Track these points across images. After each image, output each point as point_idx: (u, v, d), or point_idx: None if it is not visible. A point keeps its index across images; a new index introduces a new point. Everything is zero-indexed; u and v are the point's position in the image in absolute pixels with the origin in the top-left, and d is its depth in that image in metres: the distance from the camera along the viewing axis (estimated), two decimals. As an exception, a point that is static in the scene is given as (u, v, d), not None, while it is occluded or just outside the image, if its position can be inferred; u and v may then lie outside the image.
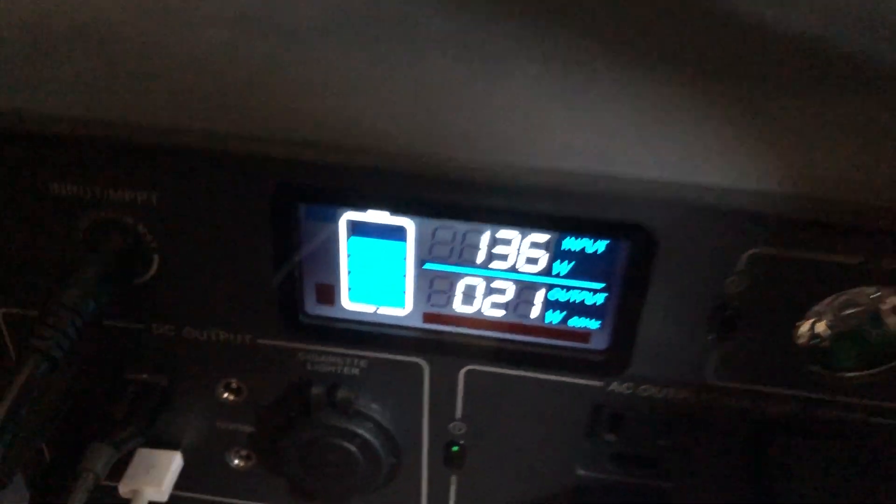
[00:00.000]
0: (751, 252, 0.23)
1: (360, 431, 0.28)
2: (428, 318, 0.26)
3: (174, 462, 0.30)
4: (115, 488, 0.30)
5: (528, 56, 0.24)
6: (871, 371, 0.25)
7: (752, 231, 0.23)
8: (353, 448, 0.28)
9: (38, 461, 0.31)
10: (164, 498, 0.30)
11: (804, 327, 0.24)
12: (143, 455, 0.30)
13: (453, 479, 0.30)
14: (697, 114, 0.23)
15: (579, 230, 0.24)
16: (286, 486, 0.31)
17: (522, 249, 0.25)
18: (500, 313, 0.26)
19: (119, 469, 0.29)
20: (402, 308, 0.26)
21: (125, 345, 0.28)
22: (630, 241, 0.23)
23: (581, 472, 0.29)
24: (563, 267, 0.25)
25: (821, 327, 0.25)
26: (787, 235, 0.22)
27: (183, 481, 0.31)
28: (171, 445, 0.30)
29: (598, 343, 0.26)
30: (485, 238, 0.25)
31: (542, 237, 0.24)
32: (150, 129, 0.23)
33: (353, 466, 0.28)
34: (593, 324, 0.26)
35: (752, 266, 0.23)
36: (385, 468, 0.29)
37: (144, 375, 0.29)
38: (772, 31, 0.26)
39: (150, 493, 0.29)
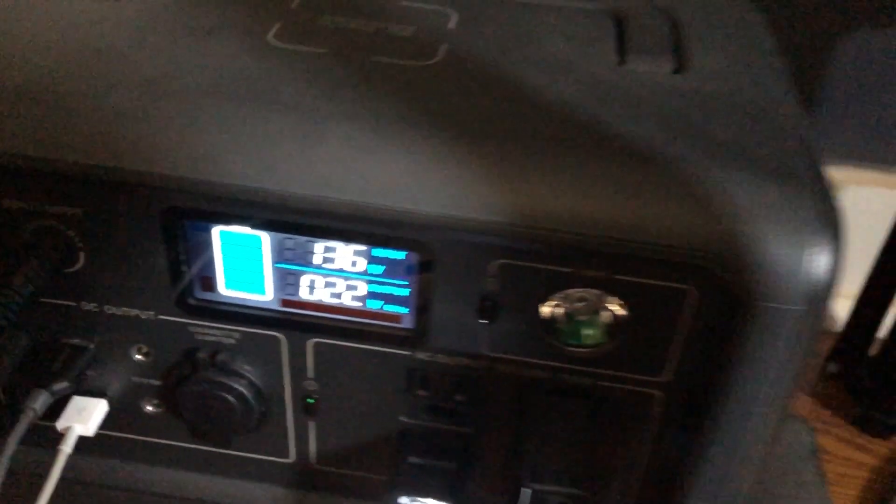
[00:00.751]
0: (499, 262, 0.33)
1: (236, 386, 0.38)
2: (284, 303, 0.36)
3: (100, 407, 0.39)
4: (54, 427, 0.39)
5: (351, 119, 0.33)
6: (592, 348, 0.35)
7: (497, 248, 0.32)
8: (231, 398, 0.38)
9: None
10: (92, 434, 0.39)
11: (546, 313, 0.34)
12: (76, 401, 0.39)
13: (312, 424, 0.40)
14: (464, 164, 0.32)
15: (383, 244, 0.33)
16: (186, 428, 0.41)
17: (347, 256, 0.34)
18: (335, 301, 0.36)
19: (57, 412, 0.39)
20: (263, 295, 0.36)
21: (61, 317, 0.37)
22: (417, 253, 0.33)
23: (403, 419, 0.39)
24: (376, 269, 0.34)
25: (559, 313, 0.34)
26: (520, 251, 0.32)
27: (108, 422, 0.40)
28: (98, 394, 0.39)
29: (407, 323, 0.36)
30: (318, 247, 0.34)
31: (360, 248, 0.34)
32: (75, 164, 0.32)
33: (232, 413, 0.38)
34: (402, 310, 0.35)
35: (501, 272, 0.33)
36: (256, 415, 0.38)
37: (76, 340, 0.38)
38: (538, 100, 0.35)
39: (80, 429, 0.38)
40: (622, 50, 0.40)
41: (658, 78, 0.38)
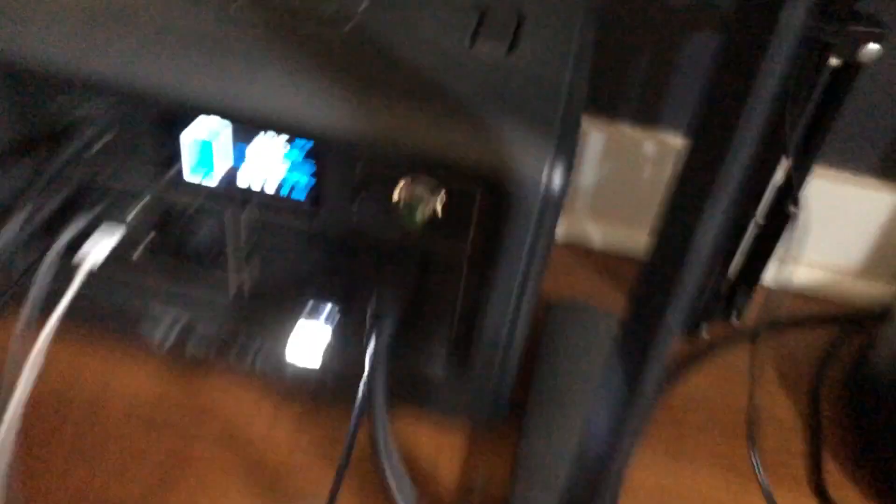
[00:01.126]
0: (361, 164, 0.52)
1: (200, 234, 0.57)
2: (226, 188, 0.55)
3: (109, 243, 0.59)
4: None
5: (277, 62, 0.52)
6: (423, 227, 0.54)
7: (362, 155, 0.51)
8: (194, 242, 0.57)
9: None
10: (101, 259, 0.58)
11: (394, 200, 0.53)
12: (93, 238, 0.59)
13: (246, 268, 0.59)
14: (341, 98, 0.51)
15: (290, 139, 0.53)
16: (167, 273, 0.60)
17: (268, 156, 0.53)
18: (259, 188, 0.55)
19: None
20: (212, 180, 0.55)
21: (84, 187, 0.57)
22: (313, 158, 0.52)
23: (306, 268, 0.58)
24: (285, 167, 0.54)
25: (402, 201, 0.53)
26: (376, 157, 0.51)
27: (106, 260, 0.59)
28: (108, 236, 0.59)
29: (306, 205, 0.55)
30: (250, 149, 0.53)
31: (276, 152, 0.53)
32: (104, 80, 0.51)
33: (195, 250, 0.58)
34: (302, 197, 0.55)
35: (363, 171, 0.52)
36: (215, 259, 0.58)
37: (94, 201, 0.57)
38: (403, 65, 0.54)
39: (95, 257, 0.58)
40: (475, 35, 0.59)
41: (492, 58, 0.57)
